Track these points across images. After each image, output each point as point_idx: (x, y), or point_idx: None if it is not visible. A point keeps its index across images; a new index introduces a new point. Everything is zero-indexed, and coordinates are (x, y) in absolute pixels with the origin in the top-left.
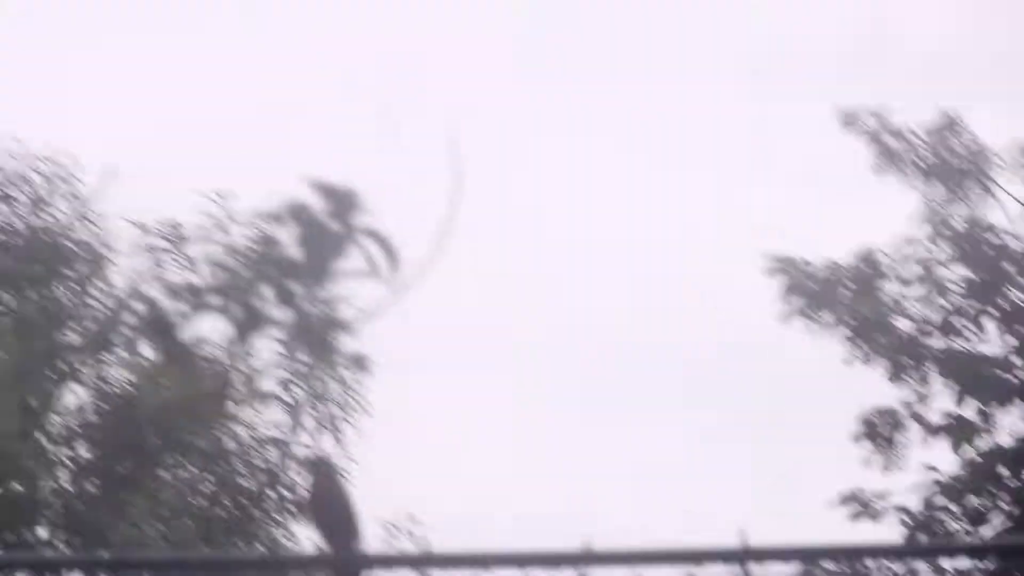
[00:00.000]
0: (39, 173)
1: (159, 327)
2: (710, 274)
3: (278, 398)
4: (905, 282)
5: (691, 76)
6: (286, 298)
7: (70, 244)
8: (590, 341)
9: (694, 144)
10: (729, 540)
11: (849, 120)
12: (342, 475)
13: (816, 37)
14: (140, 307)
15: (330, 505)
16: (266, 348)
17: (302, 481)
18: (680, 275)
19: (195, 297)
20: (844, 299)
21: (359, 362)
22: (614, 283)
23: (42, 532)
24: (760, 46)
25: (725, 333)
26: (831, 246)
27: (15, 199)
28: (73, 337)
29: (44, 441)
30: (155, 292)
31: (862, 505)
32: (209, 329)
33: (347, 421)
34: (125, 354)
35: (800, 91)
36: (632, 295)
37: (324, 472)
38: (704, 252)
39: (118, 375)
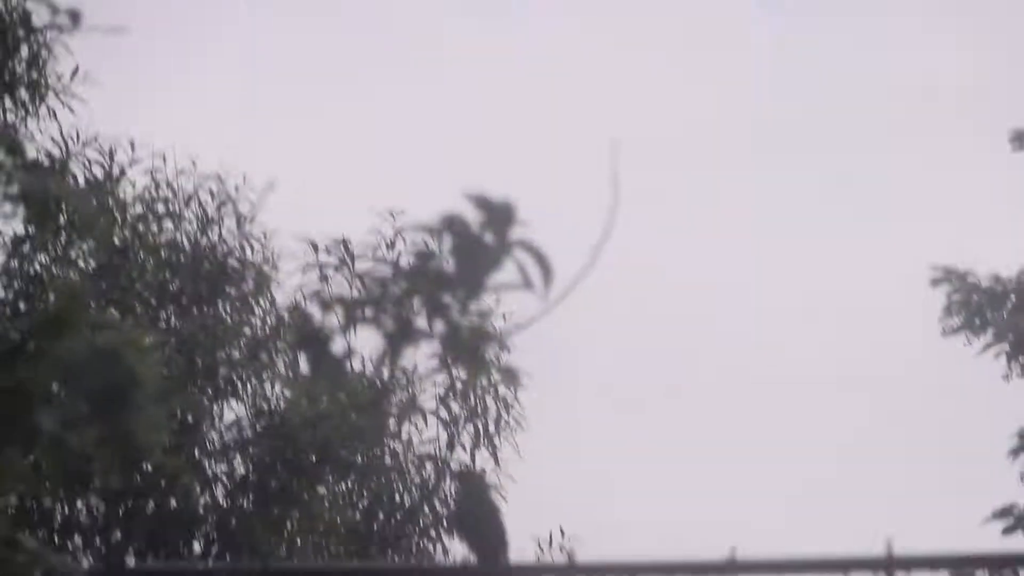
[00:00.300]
0: (208, 191)
1: (313, 341)
2: (871, 292)
3: (434, 413)
4: None
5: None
6: (439, 310)
7: (235, 263)
8: (743, 360)
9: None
10: (876, 550)
11: None
12: (491, 488)
13: None
14: (298, 323)
15: (478, 517)
16: (420, 362)
17: (453, 494)
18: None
19: (348, 310)
20: (1006, 313)
21: (510, 375)
22: (768, 311)
23: (197, 547)
24: None
25: (883, 347)
26: (998, 260)
27: (183, 218)
28: (233, 354)
29: (201, 456)
30: (311, 306)
31: (1016, 519)
32: (363, 343)
33: (502, 436)
34: (282, 369)
35: None
36: (789, 324)
37: (473, 484)
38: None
39: (275, 391)
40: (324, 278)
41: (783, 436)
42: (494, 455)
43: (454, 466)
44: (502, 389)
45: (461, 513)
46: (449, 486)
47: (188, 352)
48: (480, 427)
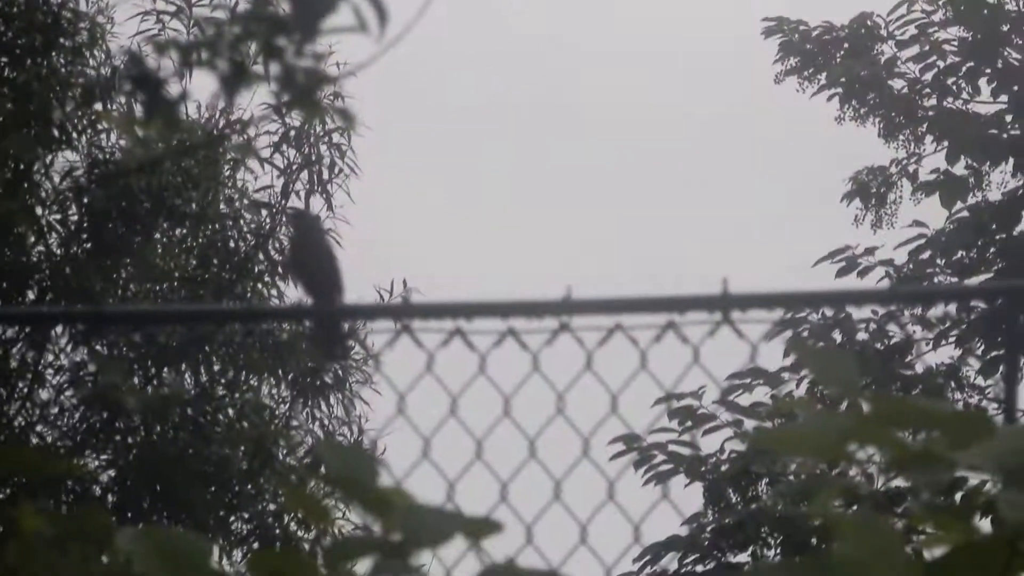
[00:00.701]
0: None
1: (147, 84)
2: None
3: (268, 161)
4: (900, 43)
5: None
6: (274, 53)
7: (68, 13)
8: (584, 104)
9: None
10: (711, 289)
11: None
12: (326, 229)
13: None
14: (130, 66)
15: (312, 256)
16: (254, 107)
17: (286, 236)
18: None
19: (182, 54)
20: (839, 60)
21: (346, 117)
22: (613, 52)
23: (31, 296)
24: None
25: (718, 95)
26: (828, 10)
27: None
28: (68, 104)
29: (34, 205)
30: (146, 51)
31: (848, 261)
32: (197, 86)
33: (336, 183)
34: (115, 114)
35: None
36: (628, 64)
37: (307, 224)
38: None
39: (110, 141)
40: (161, 24)
41: (621, 182)
42: (328, 202)
43: (289, 211)
44: (336, 136)
45: (295, 252)
46: (284, 232)
47: (22, 102)
48: (314, 174)
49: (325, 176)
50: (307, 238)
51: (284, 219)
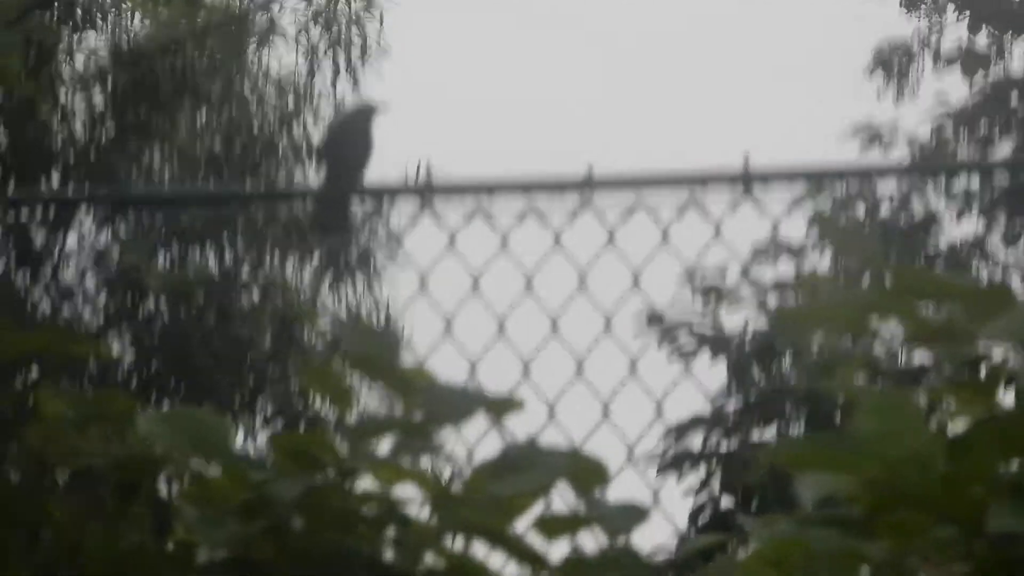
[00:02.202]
0: None
1: None
2: None
3: (295, 40)
4: None
5: None
6: None
7: None
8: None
9: None
10: (733, 164)
11: None
12: (373, 118)
13: None
14: None
15: (347, 141)
16: None
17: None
18: None
19: None
20: None
21: None
22: None
23: (55, 178)
24: None
25: None
26: None
27: None
28: None
29: (58, 87)
30: None
31: (872, 134)
32: None
33: (365, 64)
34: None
35: None
36: None
37: (357, 113)
38: None
39: (134, 23)
40: None
41: (639, 59)
42: (355, 81)
43: (314, 95)
44: (364, 15)
45: (331, 135)
46: (310, 115)
47: None
48: (343, 56)
49: (355, 55)
50: (348, 124)
51: (309, 100)
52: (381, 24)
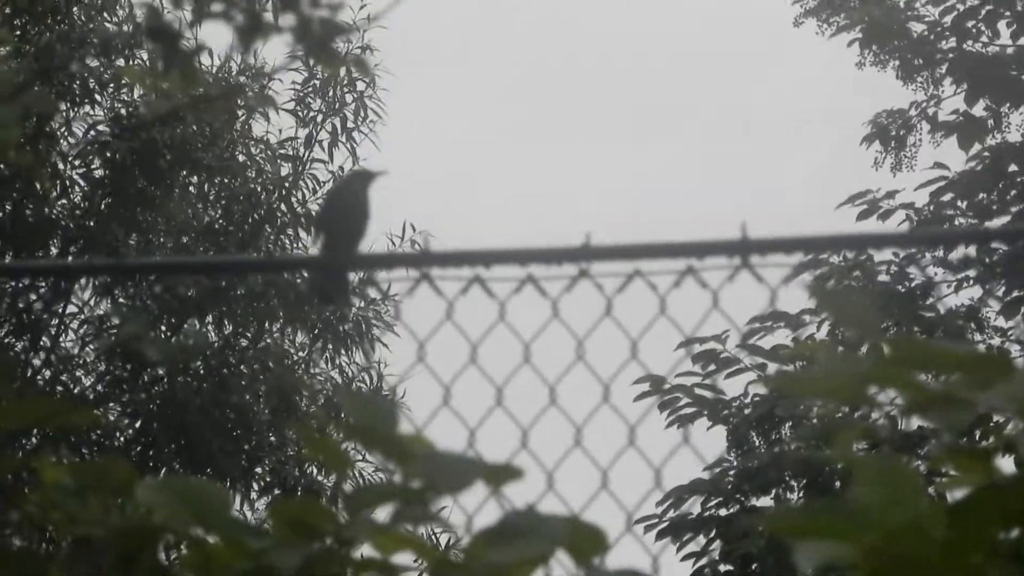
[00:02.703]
0: None
1: (164, 37)
2: None
3: (291, 111)
4: None
5: None
6: (289, 4)
7: None
8: (591, 63)
9: None
10: (730, 234)
11: None
12: (371, 184)
13: None
14: (149, 19)
15: (345, 209)
16: (272, 57)
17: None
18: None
19: (198, 5)
20: (858, 3)
21: (361, 67)
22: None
23: (55, 250)
24: None
25: (736, 38)
26: None
27: None
28: (89, 60)
29: (56, 159)
30: (159, 3)
31: (869, 204)
32: (213, 37)
33: (362, 131)
34: (136, 68)
35: None
36: (641, 10)
37: (355, 179)
38: None
39: (132, 95)
40: None
41: (638, 135)
42: (352, 151)
43: (310, 165)
44: (359, 84)
45: (330, 203)
46: (307, 185)
47: (44, 61)
48: (338, 124)
49: (350, 124)
50: (347, 191)
51: (306, 170)
52: (373, 89)
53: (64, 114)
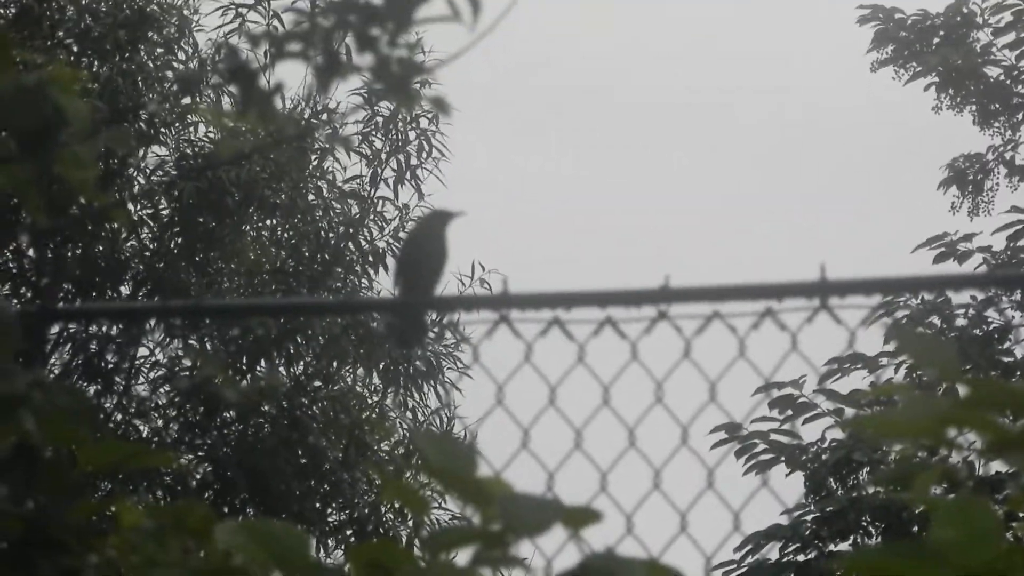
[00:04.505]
0: None
1: (242, 76)
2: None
3: (357, 150)
4: (996, 30)
5: None
6: (367, 44)
7: (155, 7)
8: (667, 99)
9: None
10: (809, 276)
11: None
12: (447, 224)
13: None
14: (221, 59)
15: (423, 252)
16: (347, 98)
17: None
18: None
19: (275, 45)
20: (935, 47)
21: (439, 105)
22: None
23: (125, 290)
24: None
25: (812, 87)
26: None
27: None
28: (156, 99)
29: (127, 200)
30: (237, 43)
31: (947, 247)
32: (290, 77)
33: (426, 168)
34: (205, 106)
35: None
36: (720, 58)
37: (432, 221)
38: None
39: (199, 134)
40: (240, 17)
41: (716, 174)
42: (418, 188)
43: (377, 204)
44: (424, 122)
45: (409, 247)
46: (375, 223)
47: (111, 98)
48: (403, 161)
49: (413, 162)
50: (425, 232)
51: (373, 209)
52: (436, 126)
53: (136, 147)
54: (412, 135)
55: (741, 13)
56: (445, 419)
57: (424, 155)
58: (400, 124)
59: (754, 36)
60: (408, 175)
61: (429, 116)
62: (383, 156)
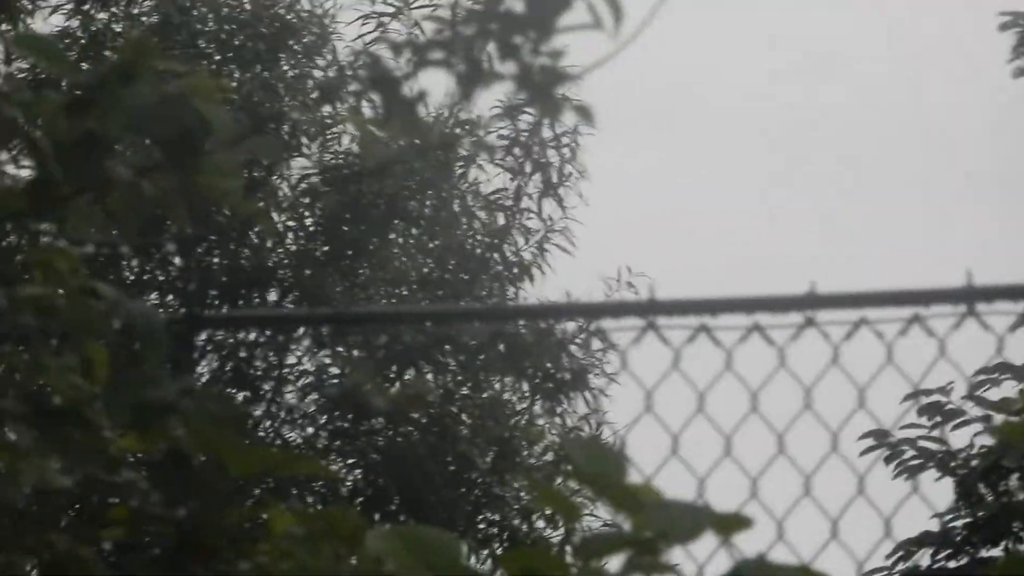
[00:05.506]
0: None
1: (385, 84)
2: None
3: (500, 164)
4: None
5: None
6: (509, 52)
7: (295, 17)
8: (811, 109)
9: None
10: (955, 281)
11: None
12: None
13: None
14: (363, 67)
15: None
16: (489, 108)
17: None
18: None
19: (418, 53)
20: None
21: (583, 114)
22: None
23: (271, 297)
24: None
25: (953, 93)
26: None
27: None
28: (297, 109)
29: (271, 209)
30: (378, 51)
31: None
32: (432, 85)
33: (567, 185)
34: (348, 115)
35: None
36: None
37: None
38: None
39: (340, 145)
40: (381, 26)
41: (859, 181)
42: (560, 204)
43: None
44: (566, 139)
45: None
46: (519, 233)
47: (252, 108)
48: (546, 178)
49: (554, 179)
50: None
51: (517, 220)
52: (578, 144)
53: (281, 155)
54: (553, 153)
55: (862, 30)
56: (593, 425)
57: (566, 173)
58: (541, 141)
59: (874, 52)
60: (551, 190)
61: (570, 133)
62: (527, 170)
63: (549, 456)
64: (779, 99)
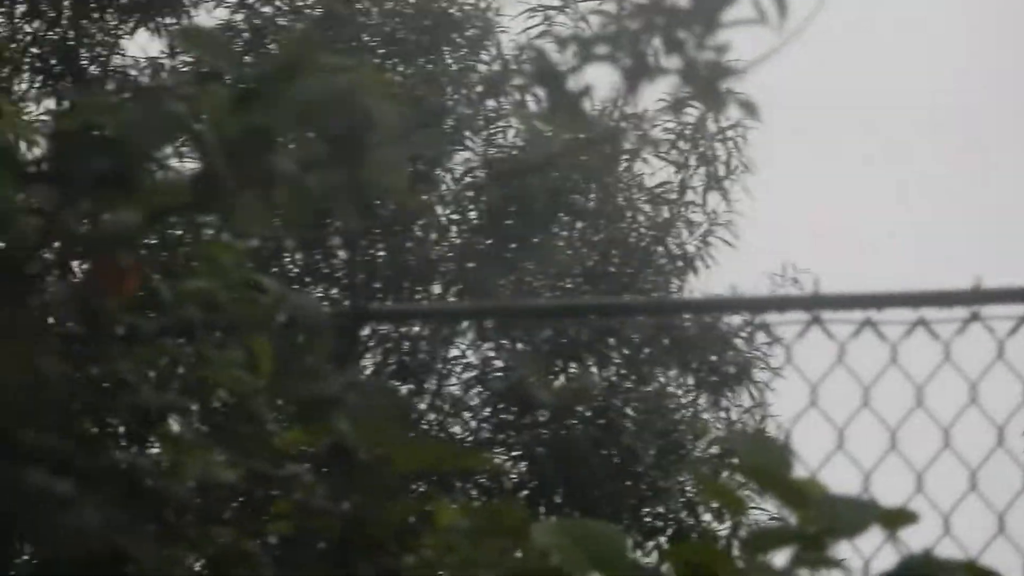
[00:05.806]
0: None
1: (547, 78)
2: None
3: (663, 157)
4: None
5: None
6: (674, 46)
7: (458, 11)
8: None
9: None
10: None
11: None
12: None
13: None
14: (528, 61)
15: None
16: (654, 101)
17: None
18: None
19: (583, 47)
20: None
21: (748, 108)
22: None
23: (436, 290)
24: None
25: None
26: None
27: None
28: (460, 103)
29: (435, 203)
30: (544, 46)
31: None
32: (597, 80)
33: (734, 177)
34: (512, 109)
35: None
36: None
37: None
38: None
39: (506, 138)
40: (547, 20)
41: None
42: (725, 198)
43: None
44: (731, 132)
45: None
46: (684, 227)
47: (415, 101)
48: (711, 172)
49: (721, 173)
50: None
51: (681, 213)
52: (744, 139)
53: (445, 150)
54: (718, 146)
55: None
56: (758, 419)
57: (732, 167)
58: (706, 135)
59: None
60: (716, 185)
61: (736, 127)
62: (691, 164)
63: (714, 450)
64: (954, 98)
